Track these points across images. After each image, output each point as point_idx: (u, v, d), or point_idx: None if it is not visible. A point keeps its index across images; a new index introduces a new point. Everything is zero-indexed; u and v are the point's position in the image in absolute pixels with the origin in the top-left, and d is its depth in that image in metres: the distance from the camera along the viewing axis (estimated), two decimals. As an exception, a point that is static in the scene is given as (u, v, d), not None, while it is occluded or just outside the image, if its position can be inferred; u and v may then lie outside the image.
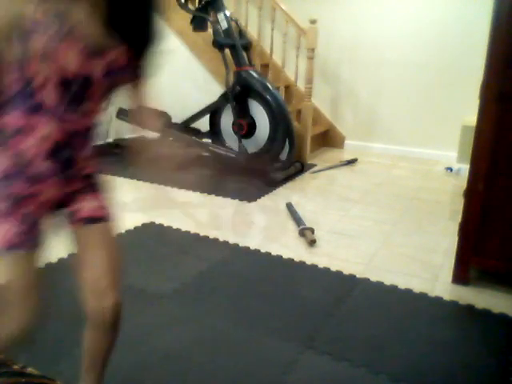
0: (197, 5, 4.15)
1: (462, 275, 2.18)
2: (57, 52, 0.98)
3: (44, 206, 1.08)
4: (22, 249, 1.02)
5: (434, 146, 4.49)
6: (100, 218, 1.14)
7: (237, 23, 3.90)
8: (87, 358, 1.25)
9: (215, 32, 3.76)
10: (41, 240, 1.07)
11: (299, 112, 4.30)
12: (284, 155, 3.92)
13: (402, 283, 2.18)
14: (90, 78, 1.04)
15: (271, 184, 3.57)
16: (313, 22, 4.02)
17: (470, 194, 2.10)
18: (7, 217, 1.02)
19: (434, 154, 4.47)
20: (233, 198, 3.28)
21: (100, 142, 4.69)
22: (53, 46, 0.97)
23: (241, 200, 3.21)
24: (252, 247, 2.47)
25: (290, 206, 3.07)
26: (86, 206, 1.13)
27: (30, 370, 0.83)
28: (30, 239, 1.04)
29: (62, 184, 1.10)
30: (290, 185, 3.67)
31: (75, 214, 1.13)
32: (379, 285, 2.17)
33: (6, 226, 1.02)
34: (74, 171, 1.11)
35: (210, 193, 3.40)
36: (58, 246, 2.49)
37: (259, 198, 3.31)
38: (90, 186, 1.16)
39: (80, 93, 1.04)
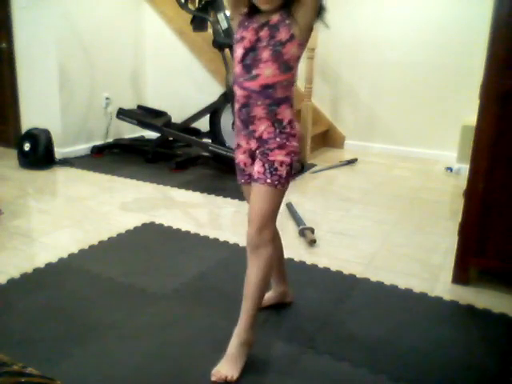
0: (197, 5, 4.15)
1: (461, 275, 2.18)
2: (242, 36, 1.44)
3: (244, 155, 1.58)
4: (240, 183, 1.67)
5: (434, 146, 4.49)
6: (256, 180, 1.53)
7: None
8: (245, 285, 1.57)
9: (215, 32, 3.75)
10: (249, 178, 1.59)
11: (299, 112, 4.30)
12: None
13: (402, 283, 2.18)
14: (256, 47, 1.43)
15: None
16: (313, 22, 4.02)
17: (470, 194, 2.10)
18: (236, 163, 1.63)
19: (434, 154, 4.47)
20: (233, 198, 3.28)
21: (100, 142, 4.65)
22: (242, 34, 1.45)
23: (241, 200, 3.21)
24: (252, 247, 2.47)
25: (290, 206, 3.07)
26: (254, 168, 1.55)
27: (29, 369, 0.83)
28: (241, 178, 1.65)
29: (246, 139, 1.54)
30: (289, 185, 3.66)
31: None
32: (379, 285, 2.17)
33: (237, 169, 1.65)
34: (250, 130, 1.51)
35: (209, 193, 3.40)
36: (57, 247, 2.49)
37: (259, 197, 3.30)
38: (262, 151, 1.52)
39: (251, 60, 1.44)
